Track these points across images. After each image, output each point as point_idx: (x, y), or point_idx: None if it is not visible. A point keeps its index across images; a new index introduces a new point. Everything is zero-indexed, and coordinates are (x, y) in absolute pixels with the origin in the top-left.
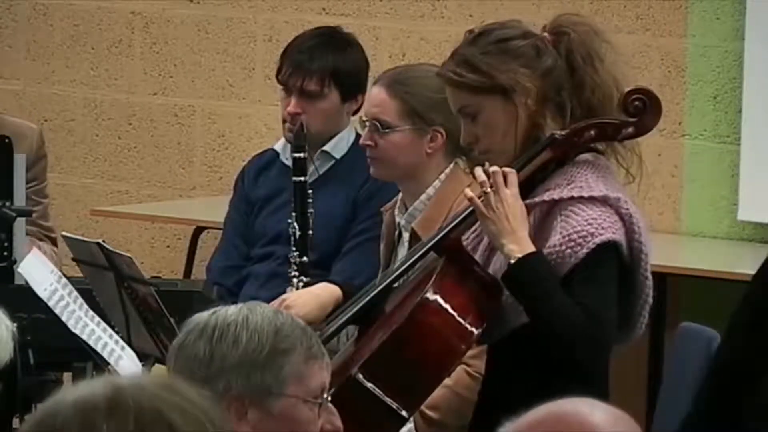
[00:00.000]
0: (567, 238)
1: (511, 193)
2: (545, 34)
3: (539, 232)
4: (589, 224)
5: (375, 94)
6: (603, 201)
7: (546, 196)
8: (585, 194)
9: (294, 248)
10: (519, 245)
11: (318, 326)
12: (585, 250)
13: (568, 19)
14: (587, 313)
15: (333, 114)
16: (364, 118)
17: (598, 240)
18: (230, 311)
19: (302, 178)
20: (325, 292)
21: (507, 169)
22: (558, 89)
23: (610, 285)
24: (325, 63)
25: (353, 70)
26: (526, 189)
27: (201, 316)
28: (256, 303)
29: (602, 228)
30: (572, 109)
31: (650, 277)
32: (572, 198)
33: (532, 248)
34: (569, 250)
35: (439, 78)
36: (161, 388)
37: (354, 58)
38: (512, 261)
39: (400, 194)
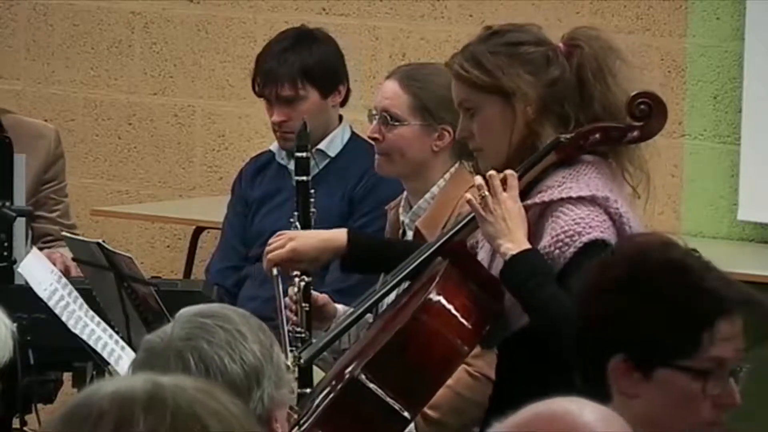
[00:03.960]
0: (555, 239)
1: (508, 195)
2: (560, 44)
3: (534, 234)
4: (577, 224)
5: (388, 87)
6: (591, 200)
7: (537, 199)
8: (573, 195)
9: None
10: (515, 243)
11: (321, 327)
12: (572, 249)
13: (584, 32)
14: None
15: (318, 112)
16: (374, 111)
17: (585, 239)
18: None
19: (304, 178)
20: (332, 237)
21: (508, 172)
22: (561, 101)
23: None
24: (292, 66)
25: (324, 64)
26: (523, 192)
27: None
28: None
29: (590, 227)
30: (579, 122)
31: None
32: (561, 199)
33: (528, 246)
34: (557, 251)
35: (446, 68)
36: (199, 391)
37: (322, 52)
38: (507, 258)
39: (405, 193)
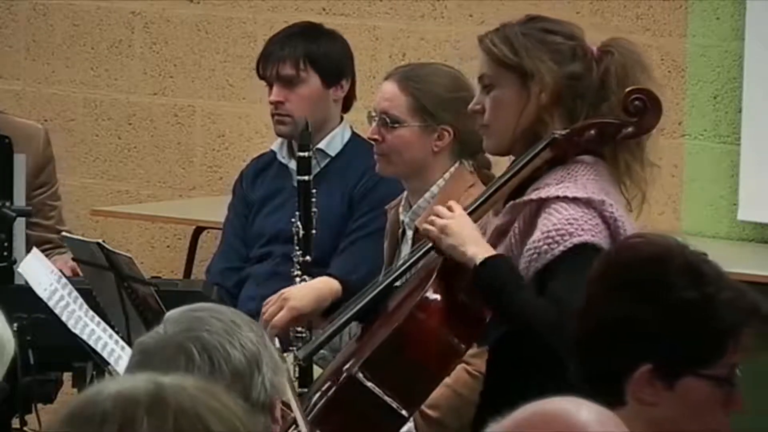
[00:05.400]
0: (545, 235)
1: (451, 214)
2: (594, 47)
3: (528, 230)
4: (570, 224)
5: (386, 89)
6: (587, 203)
7: (533, 195)
8: (569, 194)
9: (297, 247)
10: (479, 248)
11: (320, 324)
12: (561, 248)
13: (621, 43)
14: (558, 305)
15: (317, 99)
16: (373, 113)
17: (575, 240)
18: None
19: (306, 177)
20: (325, 286)
21: (451, 201)
22: (576, 97)
23: (584, 282)
24: (295, 48)
25: (330, 54)
26: (521, 188)
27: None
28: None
29: (582, 229)
30: (585, 119)
31: None
32: (557, 197)
33: (493, 252)
34: (546, 247)
35: (445, 68)
36: (201, 391)
37: (329, 44)
38: (477, 263)
39: (405, 192)
